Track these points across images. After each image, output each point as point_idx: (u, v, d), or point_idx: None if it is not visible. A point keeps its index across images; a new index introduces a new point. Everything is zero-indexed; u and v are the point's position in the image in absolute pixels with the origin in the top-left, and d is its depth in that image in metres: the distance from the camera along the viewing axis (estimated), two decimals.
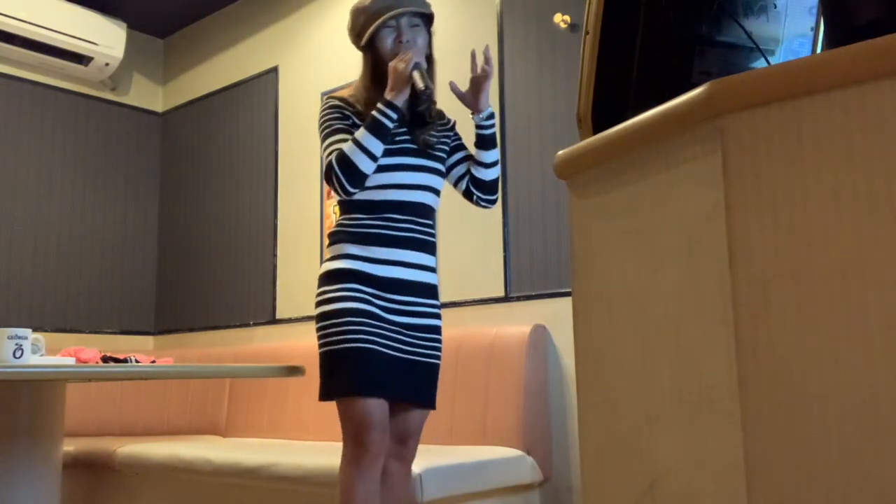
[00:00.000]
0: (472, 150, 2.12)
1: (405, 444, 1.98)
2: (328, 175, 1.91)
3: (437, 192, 2.05)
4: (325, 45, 3.88)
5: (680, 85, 1.15)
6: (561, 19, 2.96)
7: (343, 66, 3.73)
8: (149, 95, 4.70)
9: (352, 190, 1.91)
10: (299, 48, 4.01)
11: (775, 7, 1.27)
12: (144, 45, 4.71)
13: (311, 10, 3.98)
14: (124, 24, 4.31)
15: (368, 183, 1.94)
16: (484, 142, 2.07)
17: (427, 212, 2.03)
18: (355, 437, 1.85)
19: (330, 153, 1.93)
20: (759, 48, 1.25)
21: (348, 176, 1.89)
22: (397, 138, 1.98)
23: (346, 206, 2.00)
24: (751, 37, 1.24)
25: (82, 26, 4.14)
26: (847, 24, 1.00)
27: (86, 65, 4.26)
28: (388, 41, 1.97)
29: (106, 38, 4.23)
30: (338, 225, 2.01)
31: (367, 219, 1.95)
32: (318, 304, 1.94)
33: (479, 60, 2.03)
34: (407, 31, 1.98)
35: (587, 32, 1.17)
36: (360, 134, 1.90)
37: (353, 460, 1.85)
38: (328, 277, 1.95)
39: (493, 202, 2.16)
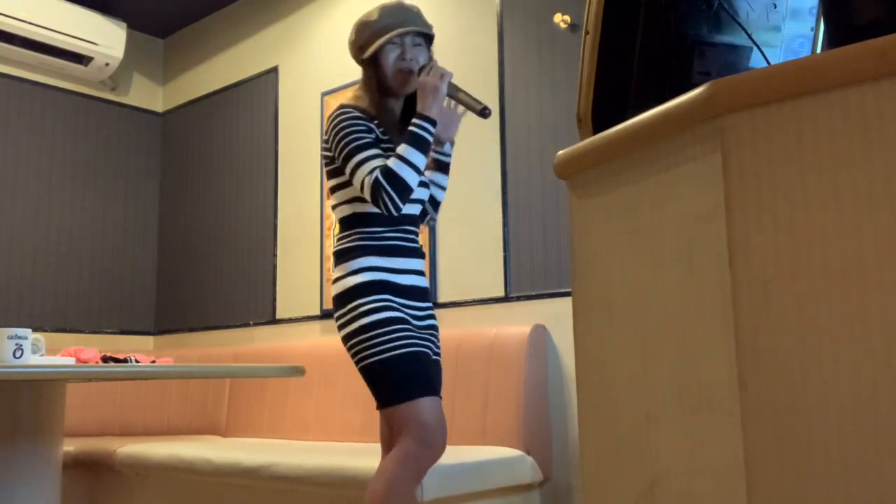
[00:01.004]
0: (427, 174, 2.22)
1: None
2: (376, 192, 1.90)
3: (424, 203, 2.14)
4: (325, 45, 3.88)
5: (680, 85, 1.15)
6: (561, 19, 2.96)
7: (343, 66, 3.74)
8: (149, 95, 4.70)
9: (402, 205, 1.93)
10: (299, 48, 4.02)
11: (775, 7, 1.27)
12: (144, 45, 4.71)
13: (311, 10, 3.99)
14: (124, 24, 4.31)
15: None
16: (445, 167, 2.21)
17: (419, 222, 2.14)
18: (426, 439, 1.87)
19: (372, 170, 1.92)
20: (759, 48, 1.25)
21: (398, 191, 1.91)
22: None
23: (358, 221, 2.01)
24: (751, 37, 1.24)
25: (82, 26, 4.14)
26: (847, 24, 1.00)
27: (86, 65, 4.26)
28: (391, 57, 2.03)
29: (106, 38, 4.23)
30: (352, 240, 2.01)
31: (388, 231, 2.01)
32: (353, 319, 1.93)
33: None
34: (410, 49, 2.04)
35: (587, 32, 1.17)
36: (403, 149, 1.93)
37: (413, 460, 1.86)
38: (358, 291, 1.95)
39: (435, 219, 2.35)
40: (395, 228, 2.02)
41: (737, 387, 0.81)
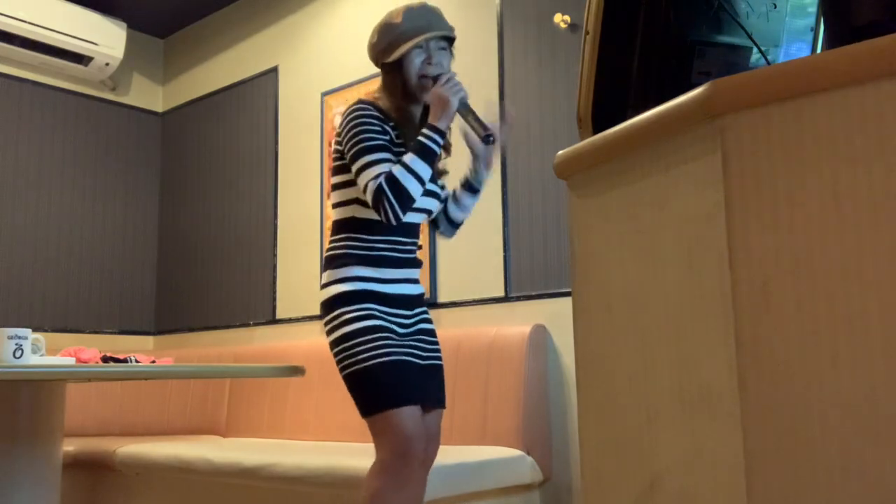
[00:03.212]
0: (455, 188, 2.17)
1: (427, 447, 1.99)
2: (378, 199, 1.88)
3: (431, 213, 2.11)
4: (325, 45, 3.88)
5: (680, 85, 1.15)
6: (561, 19, 2.96)
7: (343, 67, 3.73)
8: (149, 95, 4.70)
9: (402, 216, 1.90)
10: (299, 48, 4.02)
11: (775, 7, 1.27)
12: (144, 45, 4.71)
13: (311, 10, 3.99)
14: (124, 24, 4.31)
15: None
16: (475, 192, 2.16)
17: (419, 231, 2.10)
18: (399, 449, 1.84)
19: (378, 174, 1.89)
20: (759, 48, 1.25)
21: (400, 201, 1.88)
22: None
23: (352, 226, 1.99)
24: (751, 37, 1.24)
25: (82, 26, 4.14)
26: (847, 24, 1.00)
27: (86, 65, 4.26)
28: (416, 62, 1.98)
29: (106, 38, 4.23)
30: (342, 247, 1.99)
31: (378, 241, 1.97)
32: (336, 327, 1.92)
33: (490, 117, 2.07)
34: (436, 54, 1.99)
35: (587, 32, 1.17)
36: (409, 158, 1.89)
37: (392, 470, 1.85)
38: (342, 300, 1.94)
39: (454, 235, 2.25)
40: (389, 239, 1.98)
41: (737, 387, 0.81)
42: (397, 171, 1.88)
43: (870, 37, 0.78)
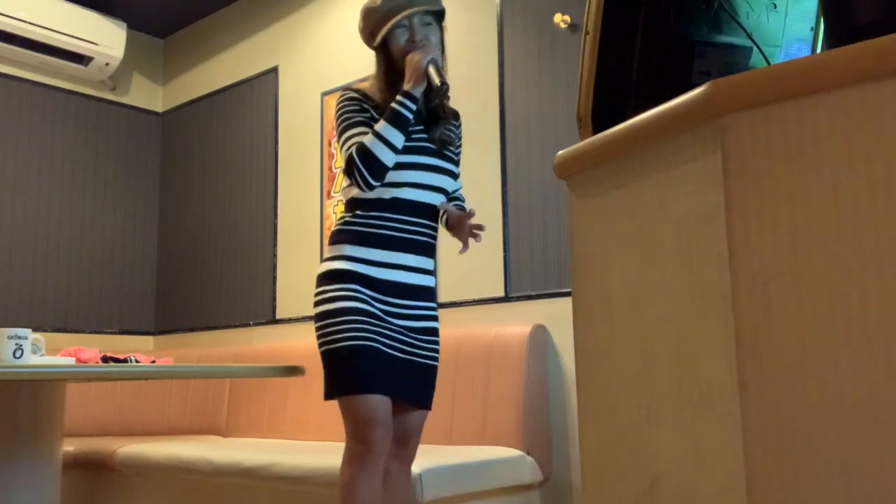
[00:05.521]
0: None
1: (405, 445, 1.98)
2: (349, 168, 1.90)
3: (447, 193, 2.07)
4: (325, 45, 3.88)
5: (680, 85, 1.15)
6: (561, 19, 2.96)
7: (343, 66, 3.73)
8: (149, 95, 4.70)
9: (374, 183, 1.90)
10: (299, 48, 4.02)
11: (775, 7, 1.27)
12: (144, 45, 4.71)
13: (311, 10, 3.99)
14: (124, 24, 4.31)
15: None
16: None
17: (436, 214, 2.04)
18: (359, 435, 1.84)
19: (350, 146, 1.92)
20: (759, 48, 1.25)
21: (370, 168, 1.88)
22: (414, 136, 1.98)
23: (351, 205, 1.99)
24: (751, 37, 1.24)
25: (82, 26, 4.14)
26: (847, 24, 1.00)
27: (86, 65, 4.26)
28: (401, 41, 1.97)
29: (106, 38, 4.23)
30: (341, 223, 2.00)
31: (372, 218, 1.95)
32: (318, 303, 1.93)
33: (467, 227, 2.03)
34: (420, 30, 1.97)
35: (587, 32, 1.17)
36: (381, 126, 1.90)
37: (357, 458, 1.84)
38: (327, 277, 1.94)
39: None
40: (384, 216, 1.95)
41: (737, 387, 0.81)
42: (367, 139, 1.90)
43: (870, 37, 0.78)
